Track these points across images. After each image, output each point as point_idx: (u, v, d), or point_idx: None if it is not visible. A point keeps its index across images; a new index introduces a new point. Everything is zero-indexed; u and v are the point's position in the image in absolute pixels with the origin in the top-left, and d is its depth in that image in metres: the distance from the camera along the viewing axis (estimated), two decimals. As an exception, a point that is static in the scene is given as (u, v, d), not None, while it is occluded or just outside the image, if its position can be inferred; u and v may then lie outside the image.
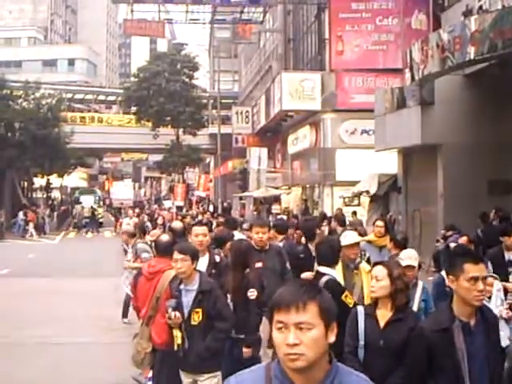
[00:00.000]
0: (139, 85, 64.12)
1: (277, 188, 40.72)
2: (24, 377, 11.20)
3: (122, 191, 66.84)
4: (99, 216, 57.77)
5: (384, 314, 6.02)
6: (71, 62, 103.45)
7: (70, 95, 71.99)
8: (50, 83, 68.06)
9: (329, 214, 27.64)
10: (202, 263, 8.49)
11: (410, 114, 21.57)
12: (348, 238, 8.96)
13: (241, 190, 49.92)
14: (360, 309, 6.24)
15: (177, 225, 13.02)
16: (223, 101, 57.51)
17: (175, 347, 7.32)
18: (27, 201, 59.32)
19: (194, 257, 7.32)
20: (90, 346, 13.52)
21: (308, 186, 36.77)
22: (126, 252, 16.76)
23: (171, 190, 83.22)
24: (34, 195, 68.80)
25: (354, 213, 26.94)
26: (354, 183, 28.12)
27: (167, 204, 60.65)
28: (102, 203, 64.06)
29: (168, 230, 13.94)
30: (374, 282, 6.17)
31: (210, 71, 71.87)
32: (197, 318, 7.19)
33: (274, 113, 36.19)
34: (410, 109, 21.54)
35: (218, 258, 9.26)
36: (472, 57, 16.52)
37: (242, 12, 40.95)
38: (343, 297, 7.13)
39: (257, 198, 42.24)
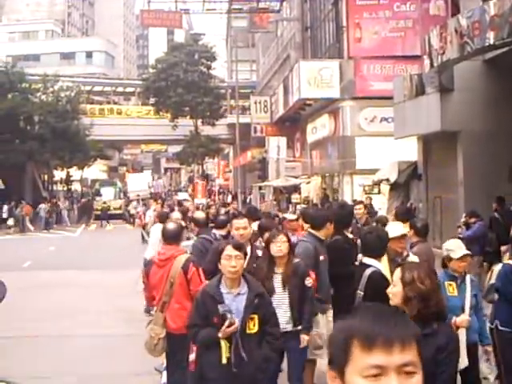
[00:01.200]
0: (157, 76, 64.30)
1: (296, 177, 40.65)
2: (45, 369, 11.26)
3: (138, 183, 66.25)
4: (113, 208, 57.82)
5: None
6: (89, 55, 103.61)
7: (88, 87, 72.24)
8: (69, 76, 68.41)
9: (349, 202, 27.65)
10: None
11: (429, 101, 21.39)
12: (395, 229, 8.43)
13: (260, 179, 49.94)
14: None
15: (199, 215, 12.99)
16: (241, 90, 57.44)
17: (223, 360, 6.34)
18: (48, 194, 59.61)
19: (246, 255, 6.83)
20: (110, 337, 13.55)
21: (327, 174, 36.68)
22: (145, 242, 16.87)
23: (190, 180, 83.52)
24: (55, 188, 69.14)
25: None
26: (373, 171, 27.98)
27: (182, 196, 59.46)
28: (122, 195, 64.10)
29: (190, 220, 13.85)
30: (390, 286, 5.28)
31: (228, 61, 71.77)
32: (253, 325, 6.44)
33: (293, 102, 36.07)
34: (429, 96, 21.36)
35: (260, 253, 8.87)
36: (492, 42, 16.33)
37: (258, 1, 40.88)
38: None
39: (276, 188, 42.23)
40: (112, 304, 17.09)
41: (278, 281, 7.92)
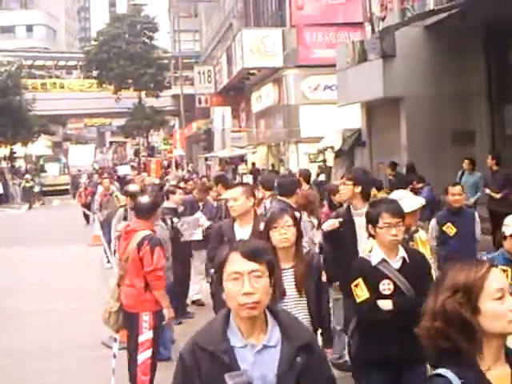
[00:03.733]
0: (99, 48, 63.54)
1: (242, 147, 40.62)
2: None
3: (81, 156, 63.84)
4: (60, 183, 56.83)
5: None
6: (29, 28, 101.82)
7: (29, 62, 71.10)
8: (9, 50, 67.18)
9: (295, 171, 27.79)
10: (247, 233, 6.97)
11: (371, 68, 21.46)
12: (409, 202, 6.92)
13: (206, 151, 49.81)
14: None
15: (133, 188, 12.88)
16: (185, 61, 57.10)
17: None
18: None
19: (272, 267, 3.35)
20: (57, 312, 13.42)
21: (273, 144, 36.72)
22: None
23: (136, 154, 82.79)
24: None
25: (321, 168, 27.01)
26: (318, 139, 28.09)
27: (123, 170, 51.85)
28: (66, 170, 63.25)
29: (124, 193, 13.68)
30: None
31: (171, 31, 71.16)
32: None
33: (236, 71, 35.98)
34: (372, 62, 21.42)
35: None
36: (431, 7, 16.42)
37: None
38: None
39: (222, 159, 42.16)
40: (58, 279, 16.92)
41: (288, 280, 5.96)
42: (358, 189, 7.75)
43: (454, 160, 18.45)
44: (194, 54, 65.80)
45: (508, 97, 20.31)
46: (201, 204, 12.99)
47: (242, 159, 40.69)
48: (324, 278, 6.55)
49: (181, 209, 12.33)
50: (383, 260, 5.54)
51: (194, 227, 11.74)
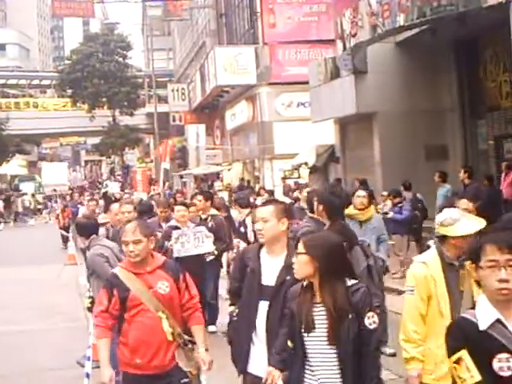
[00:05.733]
0: (73, 67, 63.55)
1: (218, 164, 40.64)
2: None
3: (55, 175, 61.67)
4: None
5: None
6: (2, 47, 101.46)
7: (2, 81, 70.83)
8: (-19, 69, 66.95)
9: (269, 187, 27.91)
10: (277, 265, 5.64)
11: (343, 84, 21.59)
12: (465, 224, 5.52)
13: (181, 168, 49.72)
14: None
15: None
16: (159, 79, 57.06)
17: None
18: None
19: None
20: (30, 333, 13.29)
21: (248, 160, 36.77)
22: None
23: (111, 172, 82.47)
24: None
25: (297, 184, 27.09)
26: (292, 156, 28.17)
27: (113, 187, 49.28)
28: (42, 190, 62.89)
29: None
30: None
31: (145, 50, 71.22)
32: None
33: (210, 89, 36.03)
34: (344, 78, 21.56)
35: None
36: (402, 23, 16.57)
37: (172, -12, 40.66)
38: None
39: (197, 176, 42.10)
40: (32, 299, 16.80)
41: (319, 318, 4.63)
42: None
43: (427, 174, 18.56)
44: (167, 72, 65.84)
45: (480, 112, 20.57)
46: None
47: (217, 176, 40.70)
48: (369, 321, 4.66)
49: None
50: (498, 321, 3.56)
51: (199, 239, 10.99)
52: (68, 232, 26.68)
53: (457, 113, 21.11)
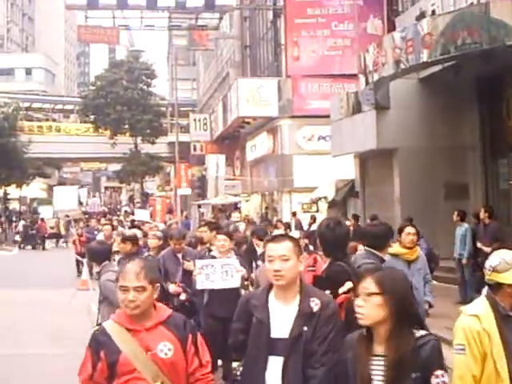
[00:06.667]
0: (97, 93, 63.89)
1: (236, 195, 40.55)
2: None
3: (65, 200, 59.31)
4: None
5: None
6: (29, 71, 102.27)
7: (27, 104, 71.32)
8: (7, 92, 67.36)
9: (287, 220, 27.72)
10: (290, 313, 4.77)
11: (365, 119, 21.48)
12: None
13: (200, 197, 49.67)
14: None
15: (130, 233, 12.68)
16: (182, 109, 57.18)
17: None
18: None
19: None
20: (39, 357, 13.17)
21: (267, 193, 36.66)
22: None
23: (131, 199, 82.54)
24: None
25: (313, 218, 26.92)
26: (312, 189, 28.07)
27: (141, 215, 40.36)
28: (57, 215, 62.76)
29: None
30: None
31: (169, 79, 71.61)
32: None
33: (231, 119, 36.08)
34: (365, 113, 21.45)
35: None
36: (425, 59, 16.47)
37: (197, 18, 40.81)
38: None
39: (215, 206, 42.02)
40: (42, 322, 16.68)
41: (376, 373, 3.99)
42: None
43: (446, 213, 18.35)
44: (190, 102, 66.10)
45: (501, 150, 20.34)
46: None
47: (235, 207, 40.56)
48: (437, 381, 3.98)
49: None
50: None
51: (228, 272, 9.78)
52: (83, 257, 26.36)
53: (478, 151, 20.93)
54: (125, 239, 11.01)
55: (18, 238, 50.65)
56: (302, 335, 4.60)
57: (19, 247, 47.82)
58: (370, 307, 3.89)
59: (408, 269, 8.81)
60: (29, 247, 47.47)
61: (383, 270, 4.38)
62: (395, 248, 8.88)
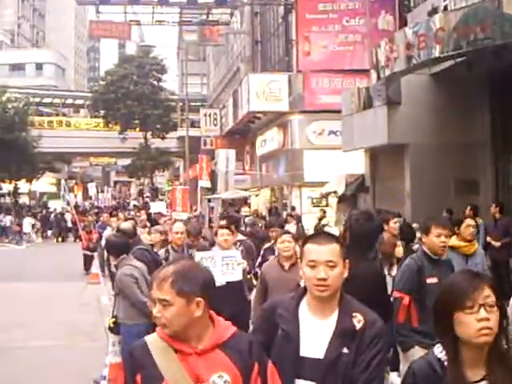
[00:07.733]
0: (107, 88, 64.07)
1: (246, 190, 40.58)
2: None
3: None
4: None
5: None
6: (39, 66, 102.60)
7: (37, 99, 71.52)
8: (17, 87, 67.60)
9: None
10: (325, 330, 4.06)
11: (376, 114, 21.46)
12: None
13: (209, 192, 49.73)
14: None
15: (126, 225, 12.72)
16: (192, 104, 57.32)
17: None
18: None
19: None
20: (49, 350, 13.24)
21: (277, 187, 36.69)
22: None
23: (140, 194, 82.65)
24: (2, 200, 68.10)
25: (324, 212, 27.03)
26: (321, 184, 28.04)
27: (157, 207, 41.78)
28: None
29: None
30: None
31: (179, 74, 71.70)
32: None
33: (242, 114, 36.08)
34: (377, 108, 21.43)
35: None
36: (437, 55, 16.46)
37: (208, 13, 40.88)
38: None
39: (225, 200, 42.04)
40: (53, 316, 16.76)
41: None
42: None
43: (457, 208, 18.34)
44: (201, 96, 66.19)
45: (512, 147, 20.31)
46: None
47: (245, 201, 40.60)
48: None
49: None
50: None
51: (229, 265, 9.34)
52: (93, 252, 25.97)
53: (488, 147, 20.88)
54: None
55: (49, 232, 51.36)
56: (340, 357, 3.75)
57: (56, 240, 48.96)
58: (495, 320, 3.13)
59: (465, 263, 8.52)
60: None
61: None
62: (453, 241, 8.32)
